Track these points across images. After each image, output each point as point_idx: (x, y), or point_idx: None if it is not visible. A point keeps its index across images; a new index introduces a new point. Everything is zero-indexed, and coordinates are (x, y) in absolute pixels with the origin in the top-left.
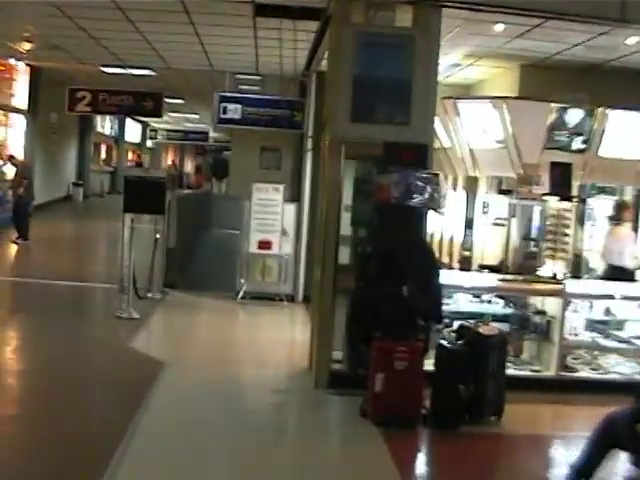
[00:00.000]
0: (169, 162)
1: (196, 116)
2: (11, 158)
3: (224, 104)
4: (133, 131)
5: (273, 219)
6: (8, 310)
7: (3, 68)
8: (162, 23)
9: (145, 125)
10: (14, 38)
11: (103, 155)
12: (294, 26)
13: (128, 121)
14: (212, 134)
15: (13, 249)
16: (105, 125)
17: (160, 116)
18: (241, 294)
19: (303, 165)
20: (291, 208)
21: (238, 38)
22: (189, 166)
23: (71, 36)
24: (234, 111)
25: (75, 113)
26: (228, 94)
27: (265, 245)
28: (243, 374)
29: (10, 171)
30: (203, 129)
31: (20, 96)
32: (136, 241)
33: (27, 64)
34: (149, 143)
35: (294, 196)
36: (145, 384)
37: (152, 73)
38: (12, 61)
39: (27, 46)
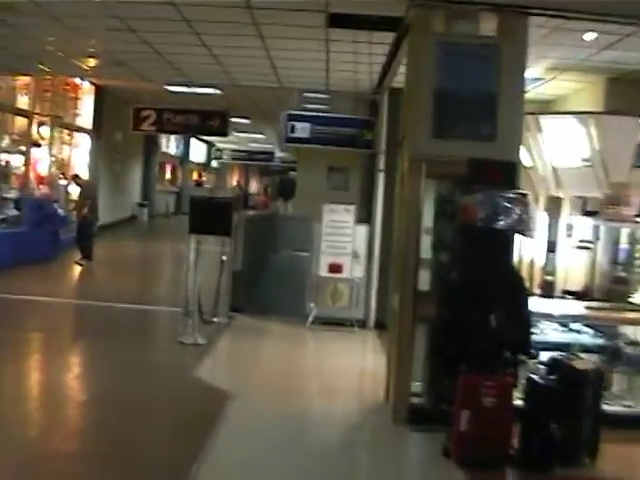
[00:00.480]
0: (234, 182)
1: (262, 136)
2: (75, 178)
3: (292, 122)
4: (198, 151)
5: (344, 241)
6: (69, 334)
7: (68, 87)
8: (230, 36)
9: (210, 145)
10: (78, 54)
11: (168, 175)
12: (369, 38)
13: (193, 141)
14: (279, 154)
15: (76, 270)
16: (170, 145)
17: (226, 135)
18: (311, 319)
19: (375, 185)
20: (362, 230)
21: (309, 52)
22: (253, 186)
23: (136, 51)
24: (302, 130)
25: (140, 132)
26: (296, 112)
27: (336, 268)
28: (314, 407)
29: (74, 191)
30: (269, 149)
31: (85, 115)
32: (202, 263)
33: (92, 83)
34: (214, 163)
35: (363, 217)
36: (209, 418)
37: (217, 92)
38: (77, 80)
39: (92, 62)
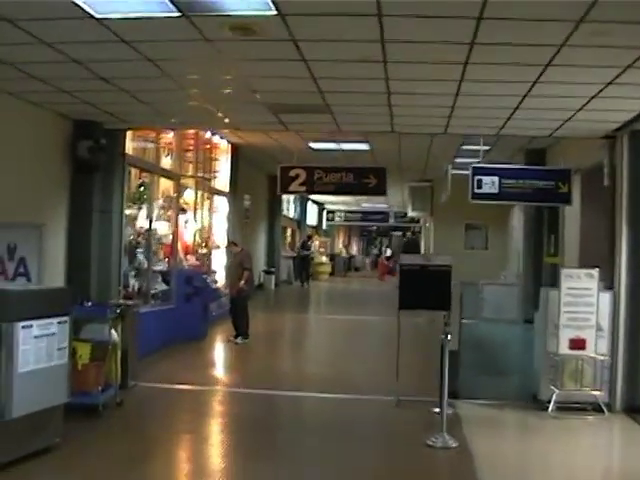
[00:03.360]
0: (340, 245)
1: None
2: (232, 245)
3: (478, 177)
4: (311, 213)
5: (587, 312)
6: (267, 434)
7: (209, 146)
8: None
9: (321, 207)
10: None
11: (288, 239)
12: None
13: (308, 203)
14: (410, 213)
15: (235, 350)
16: (290, 208)
17: (384, 194)
18: (553, 405)
19: (618, 246)
20: (606, 297)
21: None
22: (354, 248)
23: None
24: (491, 184)
25: (288, 194)
26: (482, 165)
27: (579, 344)
28: None
29: (220, 260)
30: (383, 209)
31: (222, 177)
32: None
33: (228, 141)
34: (324, 225)
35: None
36: None
37: (365, 147)
38: (215, 138)
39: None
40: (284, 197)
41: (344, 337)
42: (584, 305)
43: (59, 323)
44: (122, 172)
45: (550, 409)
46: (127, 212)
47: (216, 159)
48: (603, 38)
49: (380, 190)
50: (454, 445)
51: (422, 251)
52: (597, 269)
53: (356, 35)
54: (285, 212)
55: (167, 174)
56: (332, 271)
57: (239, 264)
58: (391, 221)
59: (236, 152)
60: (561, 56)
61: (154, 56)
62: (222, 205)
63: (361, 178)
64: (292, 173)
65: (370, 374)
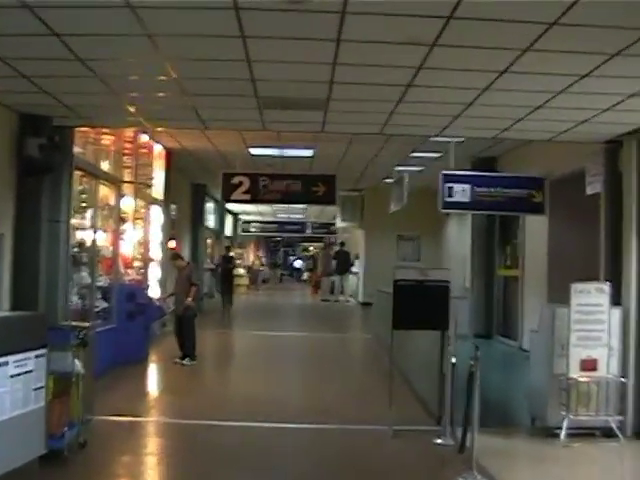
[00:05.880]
0: (251, 256)
1: (298, 205)
2: (177, 258)
3: (449, 184)
4: (227, 224)
5: (598, 330)
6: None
7: (145, 150)
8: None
9: (236, 217)
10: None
11: (209, 250)
12: None
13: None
14: (339, 224)
15: (182, 374)
16: (210, 218)
17: (334, 203)
18: (564, 432)
19: (626, 259)
20: (616, 314)
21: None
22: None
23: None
24: (462, 193)
25: (232, 202)
26: (454, 172)
27: (589, 365)
28: None
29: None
30: (300, 219)
31: (158, 184)
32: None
33: (163, 146)
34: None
35: None
36: None
37: (310, 154)
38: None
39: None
40: (206, 207)
41: (299, 356)
42: (595, 323)
43: (36, 357)
44: (70, 176)
45: (562, 436)
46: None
47: (152, 165)
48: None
49: (329, 198)
50: None
51: (353, 264)
52: (608, 284)
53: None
54: (206, 223)
55: (109, 179)
56: (250, 283)
57: (186, 279)
58: (308, 232)
59: (170, 157)
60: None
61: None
62: (157, 215)
63: (309, 186)
64: (235, 180)
65: (344, 399)
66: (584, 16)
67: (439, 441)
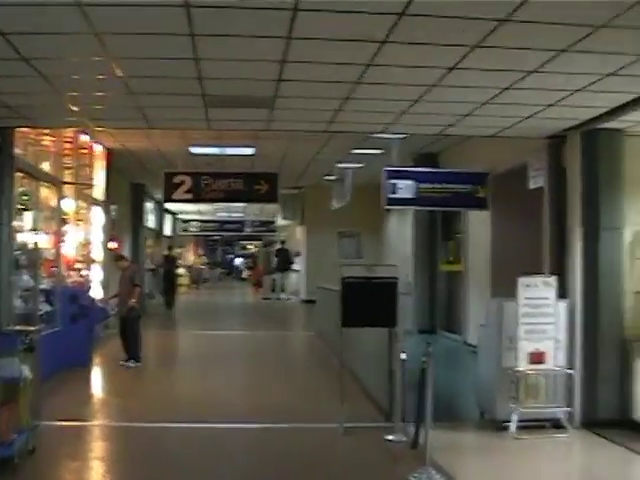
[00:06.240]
0: (191, 256)
1: (238, 204)
2: (120, 259)
3: (393, 181)
4: (166, 223)
5: (546, 323)
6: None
7: (85, 151)
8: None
9: (175, 216)
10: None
11: (148, 251)
12: None
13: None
14: (280, 221)
15: (128, 376)
16: (150, 218)
17: (276, 201)
18: (513, 425)
19: (569, 252)
20: (563, 307)
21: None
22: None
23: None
24: (406, 189)
25: (174, 202)
26: (398, 168)
27: (538, 358)
28: None
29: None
30: (240, 218)
31: (98, 185)
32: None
33: (104, 146)
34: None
35: None
36: None
37: (251, 152)
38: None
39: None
40: (145, 207)
41: (243, 355)
42: (542, 316)
43: None
44: (11, 178)
45: (512, 429)
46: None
47: (92, 165)
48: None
49: (271, 197)
50: None
51: (294, 262)
52: (554, 277)
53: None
54: (146, 223)
55: (50, 180)
56: (190, 283)
57: (129, 280)
58: (248, 230)
59: (110, 157)
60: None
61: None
62: (98, 215)
63: (252, 184)
64: (177, 179)
65: (292, 397)
66: (534, 13)
67: (390, 437)
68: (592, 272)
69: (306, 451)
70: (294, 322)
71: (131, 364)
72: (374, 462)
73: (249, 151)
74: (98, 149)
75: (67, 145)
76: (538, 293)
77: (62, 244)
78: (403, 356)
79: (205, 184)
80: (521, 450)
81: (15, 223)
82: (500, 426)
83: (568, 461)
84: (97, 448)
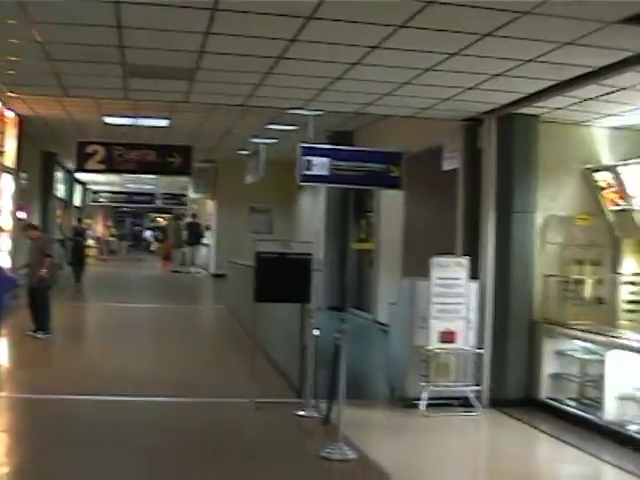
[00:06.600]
0: (99, 227)
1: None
2: (30, 228)
3: (308, 157)
4: (76, 194)
5: (457, 303)
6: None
7: None
8: None
9: (85, 187)
10: None
11: (58, 221)
12: None
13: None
14: (192, 195)
15: (33, 346)
16: (60, 188)
17: (189, 174)
18: (423, 402)
19: (482, 233)
20: (474, 287)
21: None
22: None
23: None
24: (321, 166)
25: (86, 172)
26: (313, 145)
27: (449, 337)
28: None
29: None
30: (151, 190)
31: (9, 152)
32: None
33: (16, 113)
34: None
35: None
36: None
37: (166, 124)
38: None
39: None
40: (56, 176)
41: (154, 328)
42: (454, 296)
43: None
44: None
45: (422, 407)
46: None
47: (3, 132)
48: None
49: (185, 169)
50: (353, 456)
51: (204, 235)
52: (467, 258)
53: None
54: (55, 192)
55: None
56: (99, 254)
57: (40, 251)
58: (158, 202)
59: (21, 125)
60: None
61: None
62: (8, 183)
63: (165, 156)
64: (89, 149)
65: (203, 371)
66: None
67: (302, 413)
68: (504, 254)
69: (216, 426)
70: (204, 296)
71: (39, 335)
72: (286, 437)
73: (164, 123)
74: (10, 115)
75: None
76: (450, 273)
77: None
78: (316, 332)
79: (118, 155)
80: (430, 427)
81: None
82: (410, 404)
83: (475, 438)
84: (1, 420)
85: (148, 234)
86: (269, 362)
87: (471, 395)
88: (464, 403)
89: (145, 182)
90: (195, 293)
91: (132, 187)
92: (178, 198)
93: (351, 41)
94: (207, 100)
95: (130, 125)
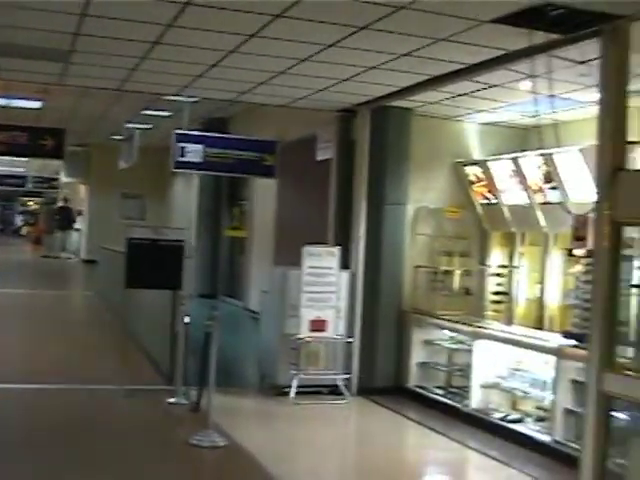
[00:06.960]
0: None
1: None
2: None
3: (182, 144)
4: None
5: (328, 291)
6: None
7: None
8: None
9: None
10: None
11: None
12: None
13: None
14: (64, 179)
15: None
16: None
17: (62, 158)
18: (293, 390)
19: (354, 224)
20: (345, 277)
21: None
22: None
23: None
24: (195, 153)
25: None
26: (187, 132)
27: (319, 325)
28: None
29: None
30: (21, 173)
31: None
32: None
33: None
34: None
35: None
36: None
37: (38, 105)
38: None
39: None
40: None
41: (19, 314)
42: (325, 285)
43: None
44: None
45: (292, 394)
46: None
47: None
48: None
49: (57, 153)
50: (223, 443)
51: (76, 220)
52: (338, 247)
53: None
54: None
55: None
56: None
57: None
58: (29, 186)
59: None
60: None
61: None
62: None
63: (36, 139)
64: None
65: (70, 358)
66: None
67: (172, 400)
68: (375, 245)
69: (84, 413)
70: (74, 281)
71: None
72: (155, 424)
73: (36, 104)
74: None
75: None
76: (322, 262)
77: None
78: (187, 319)
79: None
80: (300, 415)
81: None
82: (281, 391)
83: (344, 425)
84: None
85: (18, 218)
86: (139, 349)
87: (341, 383)
88: (334, 391)
89: (16, 164)
90: (65, 279)
91: (2, 169)
92: (50, 182)
93: (228, 29)
94: (82, 83)
95: (1, 106)
